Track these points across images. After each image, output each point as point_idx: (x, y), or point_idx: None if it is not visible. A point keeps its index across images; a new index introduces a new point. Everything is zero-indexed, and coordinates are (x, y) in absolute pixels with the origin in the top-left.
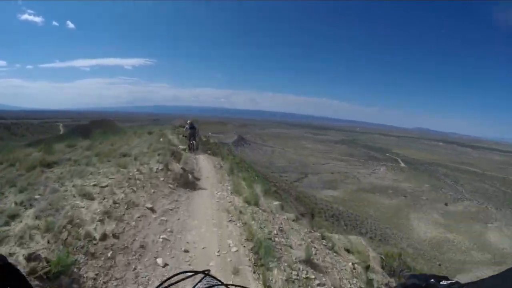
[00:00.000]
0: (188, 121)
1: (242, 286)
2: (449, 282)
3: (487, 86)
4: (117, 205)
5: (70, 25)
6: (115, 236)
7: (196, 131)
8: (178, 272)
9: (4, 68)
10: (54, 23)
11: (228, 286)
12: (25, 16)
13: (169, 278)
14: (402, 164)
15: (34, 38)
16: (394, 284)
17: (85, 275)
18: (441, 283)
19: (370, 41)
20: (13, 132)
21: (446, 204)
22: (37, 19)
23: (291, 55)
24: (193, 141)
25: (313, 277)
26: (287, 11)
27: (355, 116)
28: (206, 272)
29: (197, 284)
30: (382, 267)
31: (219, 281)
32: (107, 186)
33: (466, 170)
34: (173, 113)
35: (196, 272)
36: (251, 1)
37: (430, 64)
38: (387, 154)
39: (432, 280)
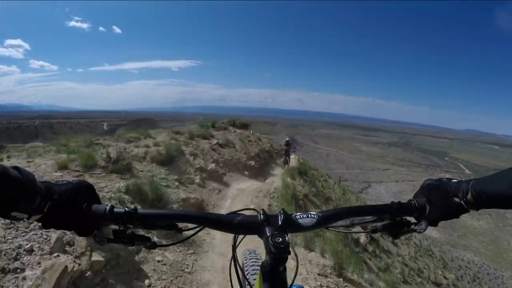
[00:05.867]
0: (286, 139)
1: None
2: (459, 179)
3: None
4: None
5: (117, 30)
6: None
7: (289, 148)
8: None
9: (56, 72)
10: (101, 28)
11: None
12: (73, 23)
13: (233, 212)
14: (467, 171)
15: (82, 43)
16: None
17: None
18: (452, 180)
19: (417, 39)
20: (55, 131)
21: None
22: (84, 25)
23: (337, 54)
24: (288, 157)
25: None
26: (332, 11)
27: (403, 116)
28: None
29: None
30: None
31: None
32: None
33: None
34: (220, 113)
35: (254, 209)
36: (296, 1)
37: (478, 61)
38: (446, 159)
39: (444, 178)
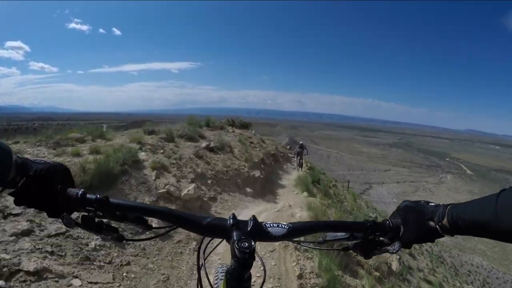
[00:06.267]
0: (300, 142)
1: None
2: (436, 203)
3: None
4: None
5: (117, 32)
6: None
7: (302, 150)
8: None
9: (56, 74)
10: (101, 30)
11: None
12: (73, 25)
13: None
14: (468, 171)
15: (82, 45)
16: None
17: None
18: (429, 204)
19: (417, 40)
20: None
21: None
22: (84, 27)
23: (336, 55)
24: (301, 160)
25: None
26: (332, 12)
27: (403, 117)
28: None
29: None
30: None
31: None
32: None
33: None
34: (220, 114)
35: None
36: (296, 1)
37: (478, 62)
38: (447, 159)
39: (422, 201)
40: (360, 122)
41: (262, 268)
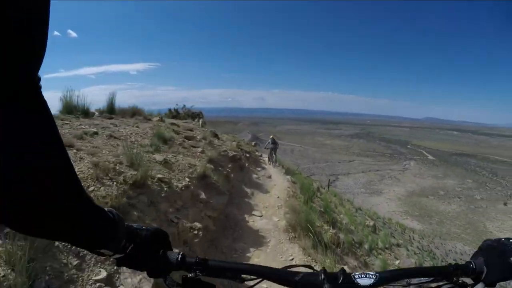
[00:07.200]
0: (271, 137)
1: None
2: None
3: (493, 72)
4: None
5: (72, 34)
6: None
7: (276, 146)
8: (298, 264)
9: None
10: (56, 33)
11: None
12: None
13: (289, 267)
14: (430, 157)
15: None
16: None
17: None
18: (510, 240)
19: (374, 33)
20: None
21: (505, 204)
22: None
23: (296, 50)
24: (274, 155)
25: None
26: (291, 10)
27: (365, 109)
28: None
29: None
30: None
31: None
32: None
33: (496, 160)
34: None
35: (313, 269)
36: (255, 0)
37: (435, 52)
38: (409, 147)
39: (503, 239)
40: (322, 115)
41: None
